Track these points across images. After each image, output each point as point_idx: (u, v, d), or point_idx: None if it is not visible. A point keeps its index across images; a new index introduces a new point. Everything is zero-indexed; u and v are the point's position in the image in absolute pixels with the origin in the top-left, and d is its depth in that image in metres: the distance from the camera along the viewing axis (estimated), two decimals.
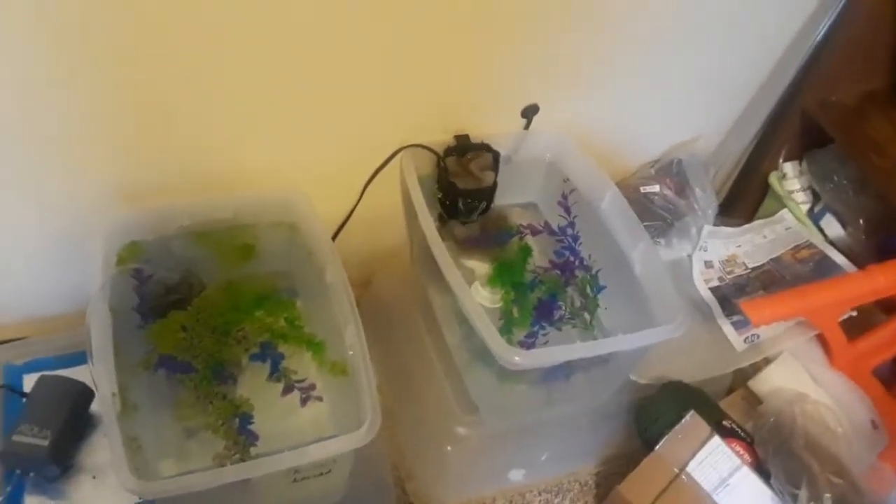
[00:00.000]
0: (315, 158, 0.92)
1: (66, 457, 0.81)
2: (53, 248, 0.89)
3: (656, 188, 1.15)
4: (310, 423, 0.82)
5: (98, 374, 0.72)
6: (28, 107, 0.75)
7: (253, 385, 0.82)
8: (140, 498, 0.77)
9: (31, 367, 0.89)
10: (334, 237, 0.93)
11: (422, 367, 0.96)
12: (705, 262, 1.15)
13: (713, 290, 1.11)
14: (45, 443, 0.78)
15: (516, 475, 0.96)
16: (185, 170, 0.88)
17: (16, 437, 0.78)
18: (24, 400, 0.84)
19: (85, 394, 0.84)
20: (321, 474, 0.76)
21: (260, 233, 0.89)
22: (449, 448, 0.91)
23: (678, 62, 1.06)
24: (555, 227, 1.01)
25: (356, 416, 0.73)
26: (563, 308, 0.93)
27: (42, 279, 0.92)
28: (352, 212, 0.95)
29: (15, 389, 0.87)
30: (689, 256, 1.15)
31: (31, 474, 0.80)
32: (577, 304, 0.94)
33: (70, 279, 0.91)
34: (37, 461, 0.78)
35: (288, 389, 0.81)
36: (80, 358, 0.88)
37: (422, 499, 0.93)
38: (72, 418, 0.82)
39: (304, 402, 0.81)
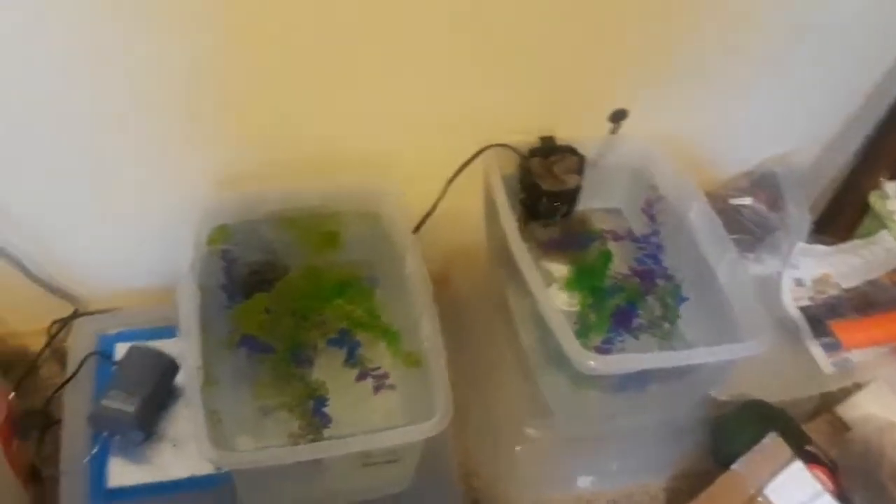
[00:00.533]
0: (402, 151, 0.94)
1: (150, 424, 0.85)
2: (150, 226, 0.93)
3: (747, 201, 1.11)
4: (381, 410, 0.83)
5: (185, 348, 0.75)
6: (134, 86, 0.79)
7: (329, 370, 0.84)
8: (217, 468, 0.80)
9: (123, 337, 0.93)
10: (416, 230, 0.94)
11: (495, 365, 0.96)
12: (795, 280, 1.10)
13: (803, 309, 1.07)
14: (132, 409, 0.82)
15: (585, 482, 0.95)
16: (279, 156, 0.90)
17: (105, 402, 0.83)
18: (114, 367, 0.89)
19: (171, 366, 0.88)
20: (390, 462, 0.77)
21: (345, 221, 0.91)
22: (518, 448, 0.90)
23: (779, 70, 1.02)
24: (638, 234, 0.99)
25: (427, 408, 0.73)
26: (642, 317, 0.91)
27: (138, 255, 0.97)
28: (434, 206, 0.96)
29: (107, 357, 0.92)
30: (779, 273, 1.10)
31: (117, 437, 0.84)
32: (657, 313, 0.92)
33: (164, 256, 0.94)
34: (123, 426, 0.83)
35: (362, 376, 0.82)
36: (168, 332, 0.92)
37: (488, 497, 0.93)
38: (158, 388, 0.86)
39: (377, 389, 0.82)
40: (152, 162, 0.88)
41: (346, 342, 0.85)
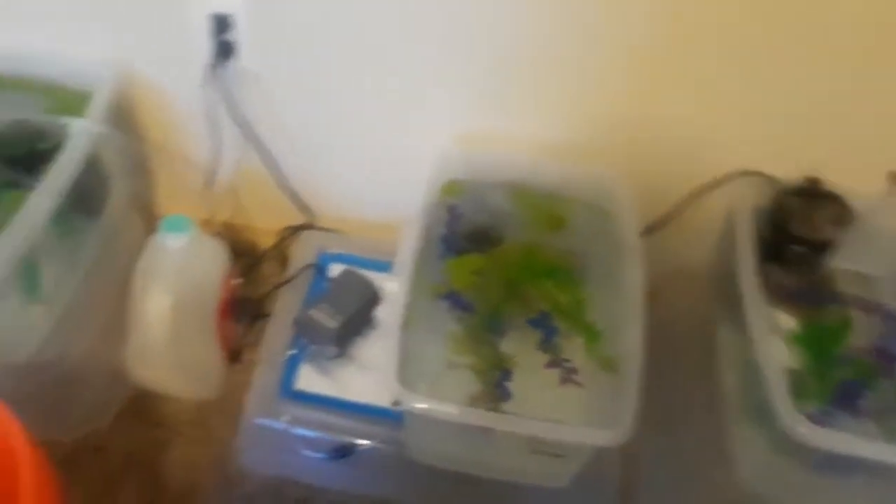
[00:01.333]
0: (647, 152, 0.90)
1: (345, 343, 0.90)
2: (393, 165, 0.98)
3: None
4: (562, 403, 0.80)
5: (395, 285, 0.78)
6: (418, 25, 0.83)
7: (520, 347, 0.83)
8: (394, 404, 0.83)
9: (339, 259, 0.99)
10: (644, 235, 0.90)
11: (685, 398, 0.90)
12: None
13: None
14: (335, 325, 0.87)
15: None
16: (525, 129, 0.91)
17: (312, 312, 0.88)
18: (327, 283, 0.94)
19: (375, 296, 0.92)
20: (557, 456, 0.76)
21: (573, 208, 0.90)
22: (693, 493, 0.85)
23: None
24: (891, 310, 0.88)
25: (609, 415, 0.71)
26: (871, 400, 0.81)
27: (375, 188, 1.02)
28: (669, 216, 0.92)
29: (322, 271, 0.98)
30: None
31: (314, 347, 0.89)
32: (891, 402, 0.81)
33: (397, 196, 0.99)
34: (322, 338, 0.88)
35: (553, 364, 0.81)
36: (379, 264, 0.97)
37: None
38: (359, 313, 0.90)
39: (563, 381, 0.80)
40: (410, 105, 0.91)
41: (544, 326, 0.84)
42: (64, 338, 0.87)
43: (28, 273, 0.82)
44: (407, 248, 0.81)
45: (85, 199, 0.89)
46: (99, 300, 0.93)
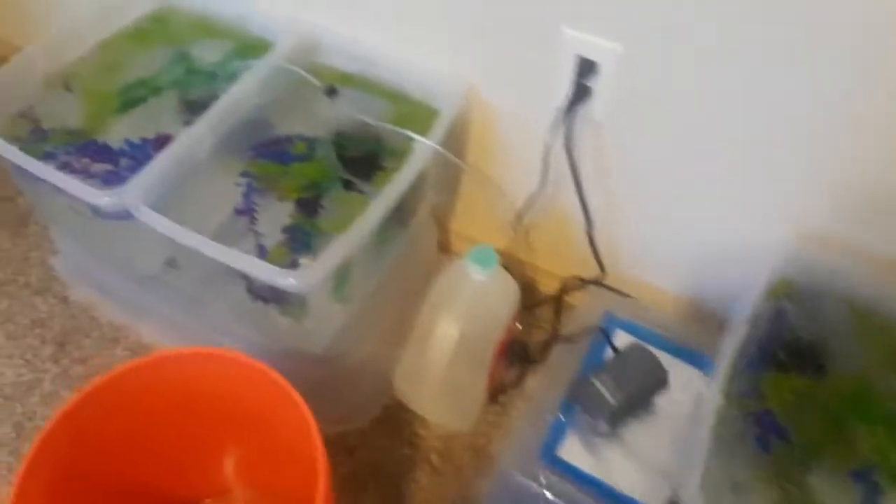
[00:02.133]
0: None
1: (619, 423, 0.84)
2: (712, 245, 0.89)
3: None
4: None
5: (707, 385, 0.71)
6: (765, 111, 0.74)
7: (834, 497, 0.72)
8: None
9: (626, 327, 0.93)
10: None
11: None
12: None
13: None
14: (615, 402, 0.81)
15: None
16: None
17: (594, 380, 0.83)
18: (614, 354, 0.88)
19: (661, 380, 0.85)
20: None
21: None
22: None
23: None
24: None
25: None
26: None
27: (682, 262, 0.94)
28: None
29: (606, 335, 0.92)
30: None
31: (586, 417, 0.84)
32: None
33: (704, 275, 0.91)
34: (598, 411, 0.82)
35: None
36: (666, 343, 0.90)
37: None
38: (641, 394, 0.84)
39: None
40: (749, 192, 0.82)
41: (867, 481, 0.71)
42: (351, 337, 0.89)
43: (341, 273, 0.85)
44: (727, 347, 0.73)
45: (401, 209, 0.90)
46: (386, 306, 0.94)
